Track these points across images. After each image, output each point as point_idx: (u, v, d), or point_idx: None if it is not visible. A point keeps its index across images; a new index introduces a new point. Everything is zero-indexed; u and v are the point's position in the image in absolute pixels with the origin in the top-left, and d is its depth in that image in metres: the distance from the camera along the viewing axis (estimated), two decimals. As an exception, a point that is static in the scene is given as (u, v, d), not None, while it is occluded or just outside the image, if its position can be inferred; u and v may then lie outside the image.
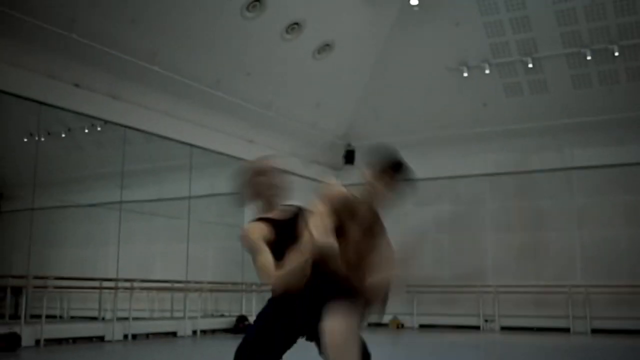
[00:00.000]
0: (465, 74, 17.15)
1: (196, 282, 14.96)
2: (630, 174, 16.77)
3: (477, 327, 17.51)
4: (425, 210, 19.04)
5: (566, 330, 16.48)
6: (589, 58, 15.96)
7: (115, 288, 13.21)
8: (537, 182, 17.72)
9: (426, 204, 19.03)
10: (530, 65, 16.53)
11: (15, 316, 12.57)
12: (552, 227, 17.41)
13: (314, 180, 19.42)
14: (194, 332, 14.39)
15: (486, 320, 17.55)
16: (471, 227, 18.44)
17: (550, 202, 17.54)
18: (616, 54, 15.68)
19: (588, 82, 16.68)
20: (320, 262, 3.54)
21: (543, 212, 17.57)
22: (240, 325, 15.01)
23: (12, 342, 10.55)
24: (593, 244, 16.90)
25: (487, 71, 16.91)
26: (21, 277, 12.52)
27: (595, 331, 16.18)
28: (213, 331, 14.82)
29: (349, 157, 19.78)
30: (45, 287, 12.34)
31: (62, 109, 12.64)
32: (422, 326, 18.23)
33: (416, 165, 16.51)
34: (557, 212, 17.43)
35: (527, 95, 17.37)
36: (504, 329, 17.23)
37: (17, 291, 13.05)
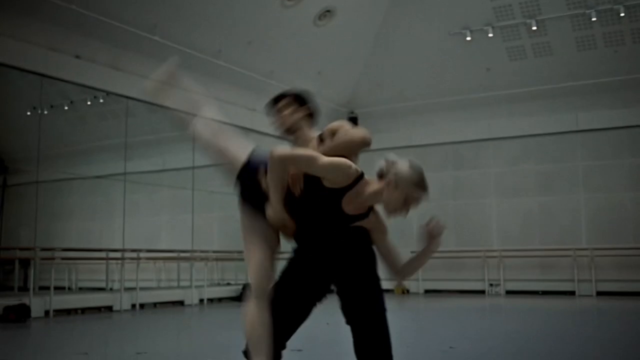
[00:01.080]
0: (468, 38, 17.01)
1: (202, 252, 15.04)
2: (636, 136, 16.69)
3: (482, 292, 17.61)
4: (429, 176, 18.98)
5: (571, 293, 16.56)
6: (593, 19, 15.79)
7: (122, 259, 13.30)
8: (541, 146, 17.68)
9: (430, 170, 18.96)
10: (534, 28, 16.38)
11: (24, 288, 12.72)
12: (557, 190, 17.41)
13: (317, 148, 19.46)
14: (201, 301, 14.51)
15: (491, 285, 17.65)
16: (475, 192, 18.45)
17: (555, 165, 17.51)
18: (622, 14, 15.50)
19: (593, 44, 16.53)
20: None
21: (548, 176, 17.55)
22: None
23: (22, 313, 10.65)
24: (598, 207, 16.91)
25: (490, 35, 16.77)
26: (28, 249, 12.61)
27: (600, 294, 16.25)
28: (220, 299, 14.94)
29: (352, 124, 19.76)
30: (52, 258, 12.43)
31: (64, 80, 12.60)
32: (427, 291, 18.34)
33: (420, 131, 16.71)
34: (561, 176, 17.41)
35: (531, 58, 17.24)
36: (509, 293, 17.32)
37: (25, 263, 13.18)
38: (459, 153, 18.77)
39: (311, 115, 4.13)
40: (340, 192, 3.59)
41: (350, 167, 3.63)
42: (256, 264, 3.70)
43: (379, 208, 3.82)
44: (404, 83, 18.59)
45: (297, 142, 4.00)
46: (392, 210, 3.74)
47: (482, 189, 18.39)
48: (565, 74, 17.01)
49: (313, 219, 3.67)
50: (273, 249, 3.77)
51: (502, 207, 18.07)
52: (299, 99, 4.14)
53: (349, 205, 3.63)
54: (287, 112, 4.09)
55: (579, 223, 17.08)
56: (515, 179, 17.98)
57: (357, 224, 3.74)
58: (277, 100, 4.20)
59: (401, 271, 4.15)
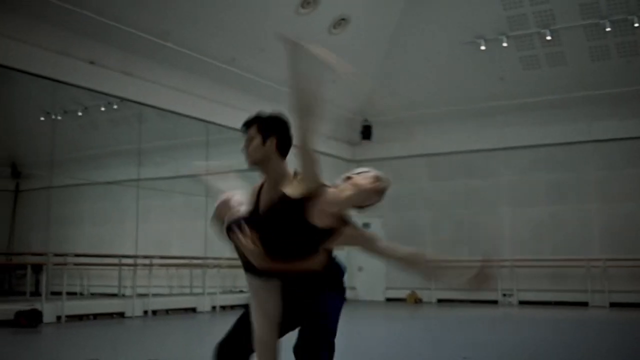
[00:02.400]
0: (482, 47, 16.97)
1: (214, 259, 15.03)
2: (650, 147, 16.61)
3: (494, 302, 17.51)
4: (441, 185, 19.02)
5: (584, 304, 16.44)
6: (607, 29, 15.72)
7: (135, 265, 13.31)
8: (554, 156, 17.60)
9: (442, 178, 19.01)
10: (548, 38, 16.32)
11: (36, 293, 12.72)
12: (570, 200, 17.32)
13: (330, 156, 19.45)
14: (213, 308, 14.49)
15: (504, 295, 17.54)
16: (487, 201, 18.38)
17: (567, 175, 17.42)
18: (636, 24, 15.42)
19: (607, 54, 16.46)
20: None
21: (560, 186, 17.46)
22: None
23: (34, 318, 10.67)
24: (611, 218, 16.79)
25: (504, 44, 16.73)
26: (41, 254, 12.64)
27: (613, 305, 16.13)
28: (232, 307, 14.90)
29: (366, 132, 19.74)
30: (65, 264, 12.45)
31: (77, 86, 12.64)
32: (440, 301, 18.25)
33: (432, 139, 16.63)
34: (574, 186, 17.31)
35: (545, 68, 17.17)
36: (522, 303, 17.22)
37: (37, 269, 13.20)
38: (471, 162, 18.70)
39: (282, 145, 3.59)
40: (302, 205, 3.38)
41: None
42: (257, 340, 3.55)
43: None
44: (417, 91, 18.56)
45: (269, 176, 3.56)
46: (362, 200, 3.53)
47: (494, 198, 18.31)
48: (578, 84, 16.93)
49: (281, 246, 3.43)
50: (272, 320, 3.57)
51: (514, 216, 17.98)
52: (267, 127, 3.62)
53: (316, 217, 3.39)
54: (253, 144, 3.57)
55: (592, 233, 16.97)
56: (527, 188, 17.89)
57: (335, 242, 3.53)
58: (246, 125, 3.68)
59: (422, 266, 3.81)
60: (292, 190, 3.40)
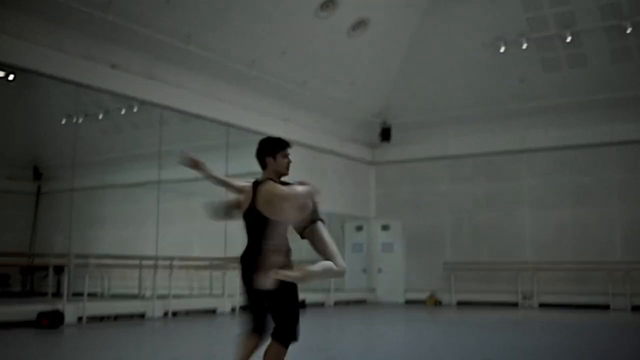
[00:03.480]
0: (502, 50, 16.88)
1: (235, 260, 15.05)
2: (672, 148, 16.47)
3: (515, 304, 17.41)
4: (462, 187, 18.96)
5: (606, 307, 16.30)
6: (628, 31, 15.57)
7: (155, 266, 13.38)
8: (576, 158, 17.48)
9: (463, 181, 18.95)
10: (569, 39, 16.19)
11: (57, 294, 12.83)
12: (592, 203, 17.18)
13: (349, 158, 19.46)
14: (233, 309, 14.53)
15: (524, 297, 17.44)
16: (509, 203, 18.29)
17: (589, 178, 17.28)
18: (658, 26, 15.28)
19: (628, 56, 16.32)
20: None
21: (582, 189, 17.33)
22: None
23: (56, 319, 10.76)
24: (634, 221, 16.64)
25: (524, 46, 16.62)
26: (63, 255, 12.74)
27: (635, 308, 15.98)
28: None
29: (385, 134, 19.72)
30: (86, 265, 12.54)
31: (99, 89, 12.74)
32: (459, 303, 18.19)
33: (452, 142, 16.66)
34: (597, 189, 17.18)
35: (566, 70, 17.05)
36: (542, 305, 17.11)
37: (59, 270, 13.31)
38: (492, 164, 18.62)
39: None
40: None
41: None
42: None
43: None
44: (437, 94, 18.52)
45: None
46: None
47: (515, 200, 18.22)
48: (600, 86, 16.80)
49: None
50: None
51: (536, 219, 17.88)
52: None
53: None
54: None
55: (614, 236, 16.83)
56: (549, 191, 17.78)
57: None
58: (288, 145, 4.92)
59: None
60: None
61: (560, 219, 17.51)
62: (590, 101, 17.01)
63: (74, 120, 14.41)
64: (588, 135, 17.22)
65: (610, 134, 16.96)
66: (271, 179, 4.73)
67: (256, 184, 4.74)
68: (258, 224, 4.63)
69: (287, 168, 4.85)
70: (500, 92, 17.84)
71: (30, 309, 10.98)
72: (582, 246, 17.06)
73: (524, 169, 18.22)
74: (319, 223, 4.89)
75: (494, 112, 18.14)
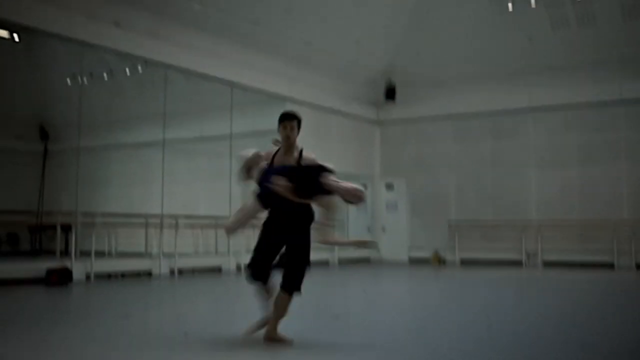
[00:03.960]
0: (510, 8, 16.68)
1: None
2: (680, 107, 16.38)
3: (519, 263, 17.52)
4: (467, 146, 18.93)
5: (610, 265, 16.39)
6: (640, -13, 15.36)
7: (161, 224, 13.48)
8: (583, 117, 17.39)
9: (468, 140, 18.91)
10: (579, -3, 15.99)
11: (65, 253, 12.96)
12: (598, 161, 17.15)
13: (354, 117, 19.42)
14: (238, 267, 14.68)
15: (529, 256, 17.54)
16: (514, 162, 18.27)
17: (597, 136, 17.21)
18: (669, -18, 15.06)
19: (638, 13, 16.10)
20: None
21: (589, 147, 17.28)
22: (282, 260, 15.19)
23: (64, 276, 10.91)
24: (640, 179, 16.64)
25: (532, 4, 16.42)
26: (69, 213, 12.85)
27: (640, 266, 16.10)
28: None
29: (390, 93, 19.62)
30: (93, 223, 12.65)
31: (103, 48, 12.70)
32: (463, 261, 18.31)
33: (458, 100, 16.57)
34: (603, 147, 17.12)
35: (575, 28, 16.86)
36: (546, 264, 17.21)
37: (66, 229, 13.43)
38: (498, 123, 18.56)
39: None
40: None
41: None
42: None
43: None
44: (443, 52, 18.38)
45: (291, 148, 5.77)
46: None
47: (521, 159, 18.20)
48: (609, 44, 16.62)
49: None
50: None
51: (542, 178, 17.88)
52: (299, 122, 5.81)
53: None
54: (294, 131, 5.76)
55: (620, 195, 16.83)
56: (556, 149, 17.73)
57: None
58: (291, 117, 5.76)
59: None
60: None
61: (566, 177, 17.50)
62: (598, 60, 16.85)
63: (79, 80, 14.38)
64: (596, 94, 17.10)
65: (618, 93, 16.84)
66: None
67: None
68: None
69: (284, 139, 5.68)
70: (508, 50, 17.69)
71: (40, 266, 11.13)
72: (587, 205, 17.08)
73: (530, 128, 18.17)
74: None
75: (501, 71, 18.02)
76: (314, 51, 16.35)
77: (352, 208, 20.09)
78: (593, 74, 17.06)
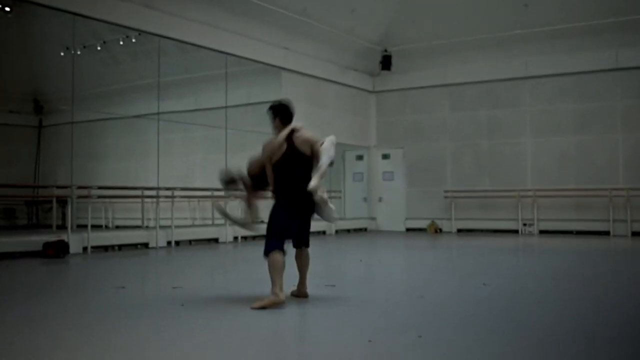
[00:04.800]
0: (506, -27, 16.50)
1: (235, 190, 15.09)
2: (678, 74, 16.30)
3: (515, 232, 17.58)
4: (463, 115, 18.87)
5: (606, 233, 16.44)
6: (636, -48, 15.19)
7: (157, 197, 13.46)
8: (580, 84, 17.31)
9: (465, 108, 18.85)
10: (575, -39, 15.81)
11: (62, 227, 12.95)
12: (595, 130, 17.12)
13: (350, 87, 19.31)
14: (235, 238, 14.69)
15: (525, 224, 17.58)
16: (511, 131, 18.23)
17: (593, 104, 17.16)
18: (666, -54, 14.89)
19: (635, -20, 15.97)
20: None
21: (586, 115, 17.24)
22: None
23: (61, 249, 10.89)
24: (637, 147, 16.60)
25: (528, -30, 16.26)
26: (65, 187, 12.82)
27: (635, 234, 16.12)
28: (254, 237, 15.10)
29: (386, 62, 19.49)
30: (89, 196, 12.63)
31: (96, 19, 12.57)
32: (460, 231, 18.36)
33: (454, 69, 16.51)
34: (600, 115, 17.08)
35: (571, -6, 16.71)
36: (542, 232, 17.26)
37: (63, 202, 13.41)
38: (494, 92, 18.49)
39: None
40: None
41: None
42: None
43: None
44: (439, 20, 18.23)
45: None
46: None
47: (517, 128, 18.16)
48: (606, 10, 16.45)
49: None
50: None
51: (538, 146, 17.85)
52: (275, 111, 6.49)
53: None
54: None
55: (617, 163, 16.83)
56: (552, 118, 17.69)
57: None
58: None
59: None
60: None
61: (562, 146, 17.48)
62: (595, 26, 16.70)
63: (72, 52, 14.26)
64: (592, 61, 17.02)
65: (615, 60, 16.75)
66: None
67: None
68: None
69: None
70: (504, 18, 17.53)
71: (36, 239, 11.11)
72: (583, 173, 17.09)
73: (526, 96, 18.10)
74: None
75: (497, 38, 17.88)
76: (309, 20, 16.21)
77: (348, 181, 20.11)
78: (590, 41, 16.97)
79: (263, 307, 5.73)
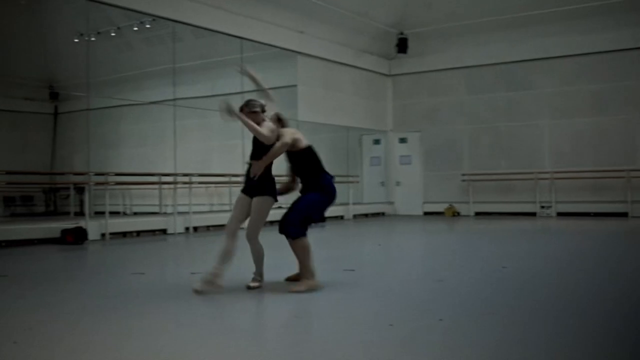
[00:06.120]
0: (522, -47, 16.28)
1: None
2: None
3: (533, 214, 17.46)
4: (480, 97, 18.72)
5: (624, 215, 16.29)
6: None
7: (174, 183, 13.47)
8: (597, 65, 17.11)
9: (481, 91, 18.69)
10: (592, -60, 15.56)
11: (80, 213, 13.00)
12: (612, 111, 16.93)
13: (366, 70, 19.19)
14: (253, 224, 14.69)
15: (542, 207, 17.45)
16: (527, 113, 18.07)
17: (610, 85, 16.96)
18: None
19: (654, -43, 15.71)
20: None
21: (603, 96, 17.04)
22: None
23: (80, 235, 10.94)
24: (655, 127, 16.42)
25: (545, -51, 16.02)
26: (82, 174, 12.84)
27: (655, 215, 15.99)
28: (271, 222, 15.05)
29: (402, 45, 19.33)
30: (106, 183, 12.66)
31: (109, 4, 12.53)
32: (477, 214, 18.27)
33: (470, 51, 16.35)
34: (617, 96, 16.88)
35: (588, -27, 16.46)
36: (560, 215, 17.13)
37: (80, 190, 13.45)
38: (510, 73, 18.31)
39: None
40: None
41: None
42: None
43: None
44: (454, 2, 18.03)
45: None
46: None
47: (534, 110, 17.99)
48: (623, -12, 16.24)
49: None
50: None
51: (555, 128, 17.69)
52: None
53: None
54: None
55: (634, 144, 16.64)
56: (569, 99, 17.51)
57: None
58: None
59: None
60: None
61: (579, 127, 17.31)
62: (612, 5, 16.44)
63: (86, 38, 14.25)
64: (610, 41, 16.80)
65: (632, 39, 16.54)
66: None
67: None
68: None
69: None
70: (520, -1, 17.32)
71: (55, 226, 11.17)
72: (601, 154, 16.92)
73: (543, 78, 17.91)
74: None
75: (513, 19, 17.65)
76: (324, 4, 16.08)
77: (365, 165, 20.04)
78: (607, 21, 16.73)
79: (302, 291, 5.81)
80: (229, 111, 5.97)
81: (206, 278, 5.86)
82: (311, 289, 5.84)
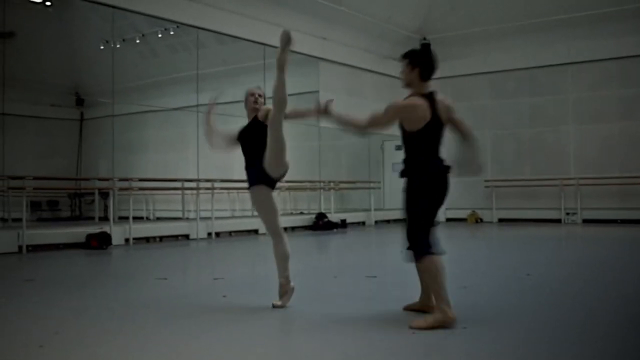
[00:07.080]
0: (547, -42, 16.18)
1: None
2: None
3: (558, 221, 17.29)
4: (504, 103, 18.61)
5: (652, 221, 16.11)
6: None
7: (197, 188, 13.53)
8: (624, 70, 16.93)
9: (505, 96, 18.58)
10: (618, -56, 15.43)
11: (104, 218, 13.11)
12: (638, 116, 16.74)
13: (389, 76, 19.15)
14: (275, 230, 14.71)
15: (568, 214, 17.29)
16: (553, 119, 17.92)
17: (638, 90, 16.77)
18: None
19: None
20: None
21: (630, 101, 16.86)
22: (319, 222, 15.20)
23: (104, 240, 11.02)
24: (683, 133, 16.22)
25: (570, -47, 15.91)
26: (106, 179, 12.96)
27: (683, 222, 15.77)
28: (293, 228, 15.10)
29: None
30: (130, 188, 12.75)
31: (134, 12, 12.66)
32: (501, 220, 18.13)
33: (494, 57, 16.25)
34: (644, 101, 16.70)
35: (615, -24, 16.32)
36: (586, 221, 16.95)
37: (104, 195, 13.57)
38: (535, 78, 18.18)
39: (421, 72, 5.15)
40: None
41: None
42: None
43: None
44: (478, 6, 17.95)
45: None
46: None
47: (559, 115, 17.84)
48: (650, -8, 16.08)
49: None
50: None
51: (581, 134, 17.52)
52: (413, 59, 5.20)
53: None
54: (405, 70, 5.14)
55: (662, 150, 16.45)
56: (595, 104, 17.33)
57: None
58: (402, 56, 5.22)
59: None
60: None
61: (606, 133, 17.13)
62: (639, 9, 16.30)
63: (112, 45, 14.40)
64: (637, 46, 16.62)
65: (659, 44, 16.37)
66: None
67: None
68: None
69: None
70: (545, 2, 17.19)
71: (80, 231, 11.29)
72: (628, 160, 16.73)
73: (568, 83, 17.75)
74: None
75: (537, 24, 17.52)
76: (346, 10, 16.10)
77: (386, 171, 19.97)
78: (633, 25, 16.55)
79: (427, 329, 4.50)
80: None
81: (280, 291, 5.53)
82: (440, 325, 4.55)
